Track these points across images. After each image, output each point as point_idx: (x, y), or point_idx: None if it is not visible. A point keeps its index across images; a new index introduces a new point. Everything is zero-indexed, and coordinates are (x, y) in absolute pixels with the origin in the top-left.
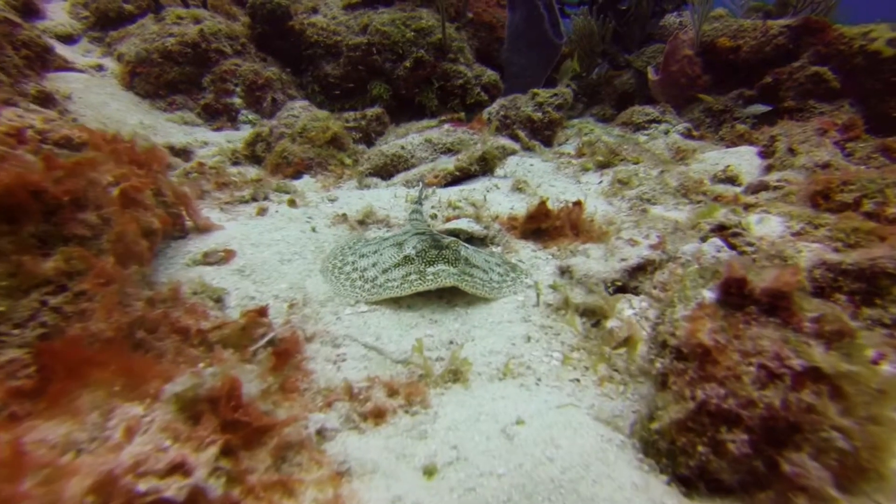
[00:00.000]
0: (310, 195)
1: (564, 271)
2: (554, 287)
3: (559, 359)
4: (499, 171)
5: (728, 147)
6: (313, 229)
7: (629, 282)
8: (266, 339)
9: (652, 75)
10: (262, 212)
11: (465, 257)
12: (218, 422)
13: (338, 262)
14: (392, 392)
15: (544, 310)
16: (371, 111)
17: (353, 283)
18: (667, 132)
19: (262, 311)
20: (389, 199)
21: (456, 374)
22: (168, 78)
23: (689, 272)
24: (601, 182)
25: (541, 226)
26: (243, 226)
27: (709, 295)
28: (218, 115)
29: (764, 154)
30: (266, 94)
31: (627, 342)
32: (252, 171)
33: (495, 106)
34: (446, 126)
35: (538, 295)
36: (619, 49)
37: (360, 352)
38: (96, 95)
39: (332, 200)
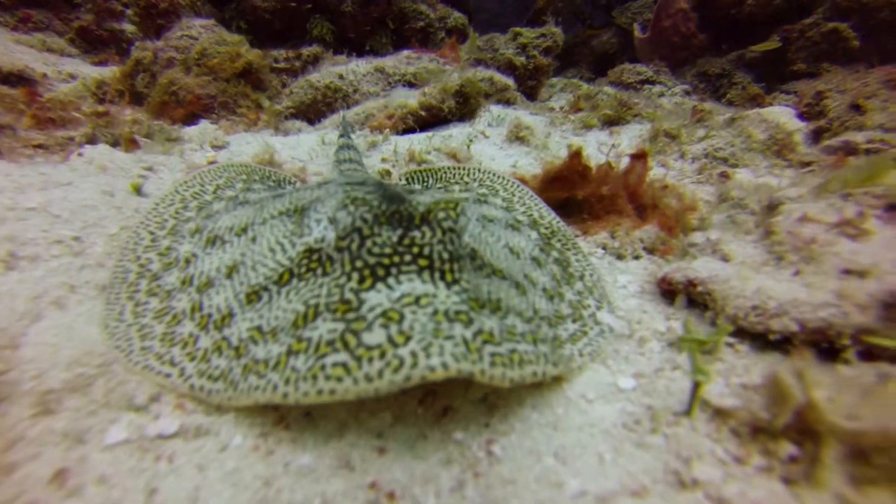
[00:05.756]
0: (194, 144)
1: (684, 291)
2: (701, 344)
3: None
4: (481, 120)
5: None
6: (135, 189)
7: (884, 333)
8: None
9: (639, 33)
10: (65, 158)
11: (480, 256)
12: None
13: (141, 254)
14: None
15: (713, 426)
16: (308, 50)
17: (164, 335)
18: (661, 95)
19: None
20: (313, 145)
21: None
22: None
23: None
24: (611, 138)
25: (575, 194)
26: None
27: None
28: (102, 46)
29: (806, 115)
30: (172, 22)
31: None
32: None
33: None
34: (406, 52)
35: (697, 387)
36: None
37: None
38: None
39: (217, 147)
